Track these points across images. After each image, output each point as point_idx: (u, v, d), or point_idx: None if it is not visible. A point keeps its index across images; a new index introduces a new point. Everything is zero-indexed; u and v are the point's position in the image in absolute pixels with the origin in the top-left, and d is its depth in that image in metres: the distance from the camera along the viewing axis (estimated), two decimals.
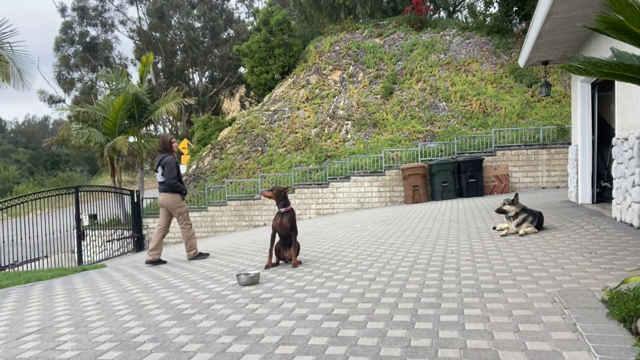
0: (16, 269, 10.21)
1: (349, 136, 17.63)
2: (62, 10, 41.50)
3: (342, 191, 14.96)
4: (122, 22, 43.30)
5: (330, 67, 20.96)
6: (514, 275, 4.05)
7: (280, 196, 5.42)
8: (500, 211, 6.40)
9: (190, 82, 43.12)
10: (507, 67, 18.05)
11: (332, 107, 19.08)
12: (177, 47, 42.09)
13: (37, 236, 11.09)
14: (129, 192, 15.70)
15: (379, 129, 17.41)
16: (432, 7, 26.42)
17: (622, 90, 6.46)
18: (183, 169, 21.45)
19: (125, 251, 15.06)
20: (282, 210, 5.37)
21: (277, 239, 5.52)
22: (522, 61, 9.51)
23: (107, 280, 5.67)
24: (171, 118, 40.20)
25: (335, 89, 19.86)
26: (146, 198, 17.32)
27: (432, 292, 3.70)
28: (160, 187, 6.82)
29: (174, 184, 6.77)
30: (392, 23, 22.31)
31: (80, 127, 17.33)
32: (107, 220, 15.07)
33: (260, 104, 22.00)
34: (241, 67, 38.38)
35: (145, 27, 41.92)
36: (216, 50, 41.61)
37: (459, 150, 14.74)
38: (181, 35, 41.68)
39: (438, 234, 6.91)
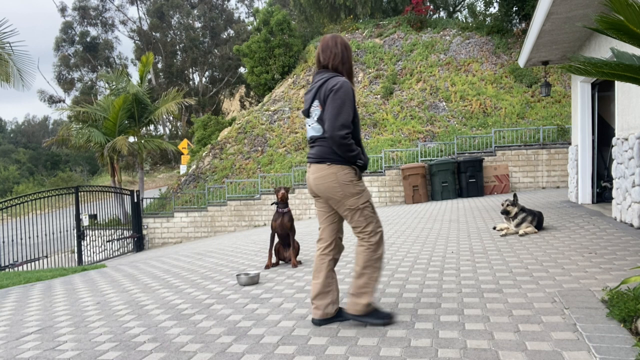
0: (16, 269, 10.22)
1: None
2: (63, 10, 41.56)
3: None
4: (123, 22, 43.40)
5: None
6: (514, 275, 4.05)
7: (286, 195, 5.44)
8: (505, 212, 6.33)
9: (190, 82, 43.14)
10: (507, 67, 18.04)
11: None
12: (177, 47, 42.11)
13: (37, 236, 11.11)
14: (129, 192, 15.71)
15: (379, 129, 17.41)
16: (432, 7, 26.42)
17: (622, 90, 6.46)
18: (183, 169, 21.42)
19: (125, 251, 15.07)
20: (284, 210, 5.37)
21: (277, 239, 5.53)
22: (522, 61, 9.51)
23: (107, 280, 5.67)
24: (171, 118, 40.20)
25: None
26: (146, 198, 17.33)
27: (432, 292, 3.70)
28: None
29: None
30: (392, 23, 22.30)
31: (80, 127, 17.35)
32: (107, 220, 15.08)
33: (260, 104, 21.99)
34: (241, 67, 38.41)
35: (145, 27, 41.94)
36: (216, 50, 41.63)
37: (459, 150, 14.74)
38: (181, 36, 41.71)
39: (438, 234, 6.91)
